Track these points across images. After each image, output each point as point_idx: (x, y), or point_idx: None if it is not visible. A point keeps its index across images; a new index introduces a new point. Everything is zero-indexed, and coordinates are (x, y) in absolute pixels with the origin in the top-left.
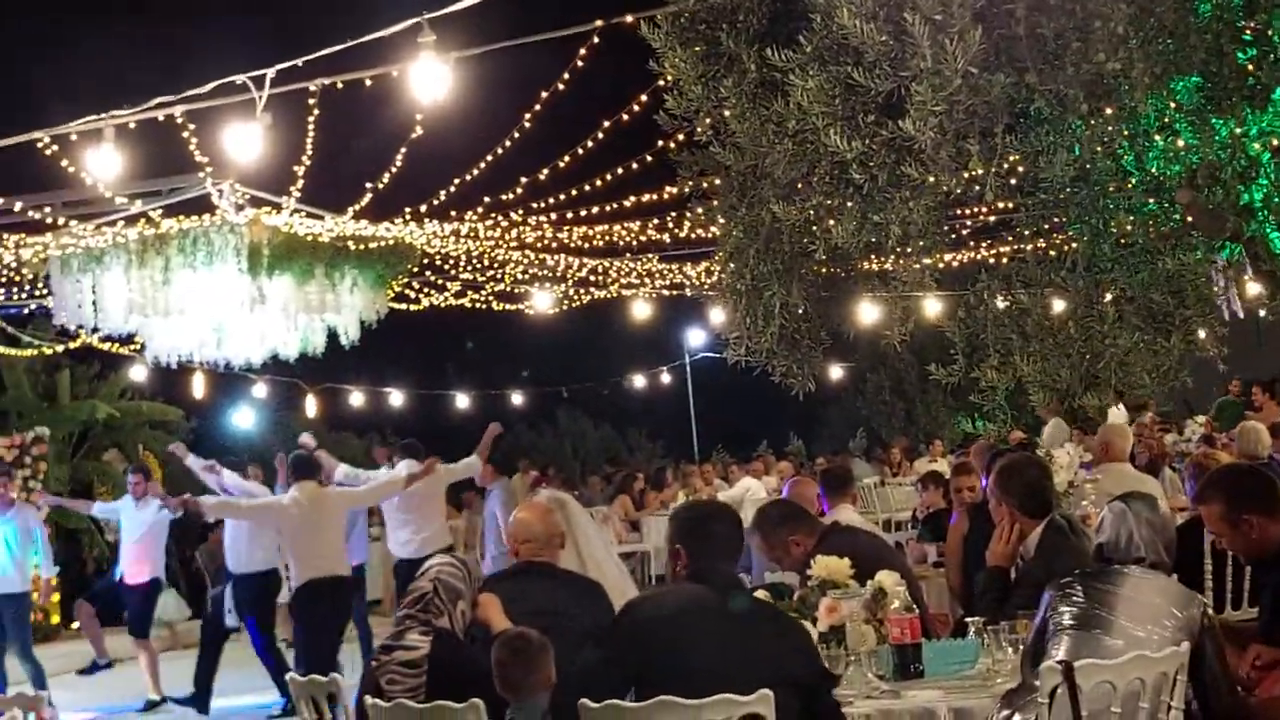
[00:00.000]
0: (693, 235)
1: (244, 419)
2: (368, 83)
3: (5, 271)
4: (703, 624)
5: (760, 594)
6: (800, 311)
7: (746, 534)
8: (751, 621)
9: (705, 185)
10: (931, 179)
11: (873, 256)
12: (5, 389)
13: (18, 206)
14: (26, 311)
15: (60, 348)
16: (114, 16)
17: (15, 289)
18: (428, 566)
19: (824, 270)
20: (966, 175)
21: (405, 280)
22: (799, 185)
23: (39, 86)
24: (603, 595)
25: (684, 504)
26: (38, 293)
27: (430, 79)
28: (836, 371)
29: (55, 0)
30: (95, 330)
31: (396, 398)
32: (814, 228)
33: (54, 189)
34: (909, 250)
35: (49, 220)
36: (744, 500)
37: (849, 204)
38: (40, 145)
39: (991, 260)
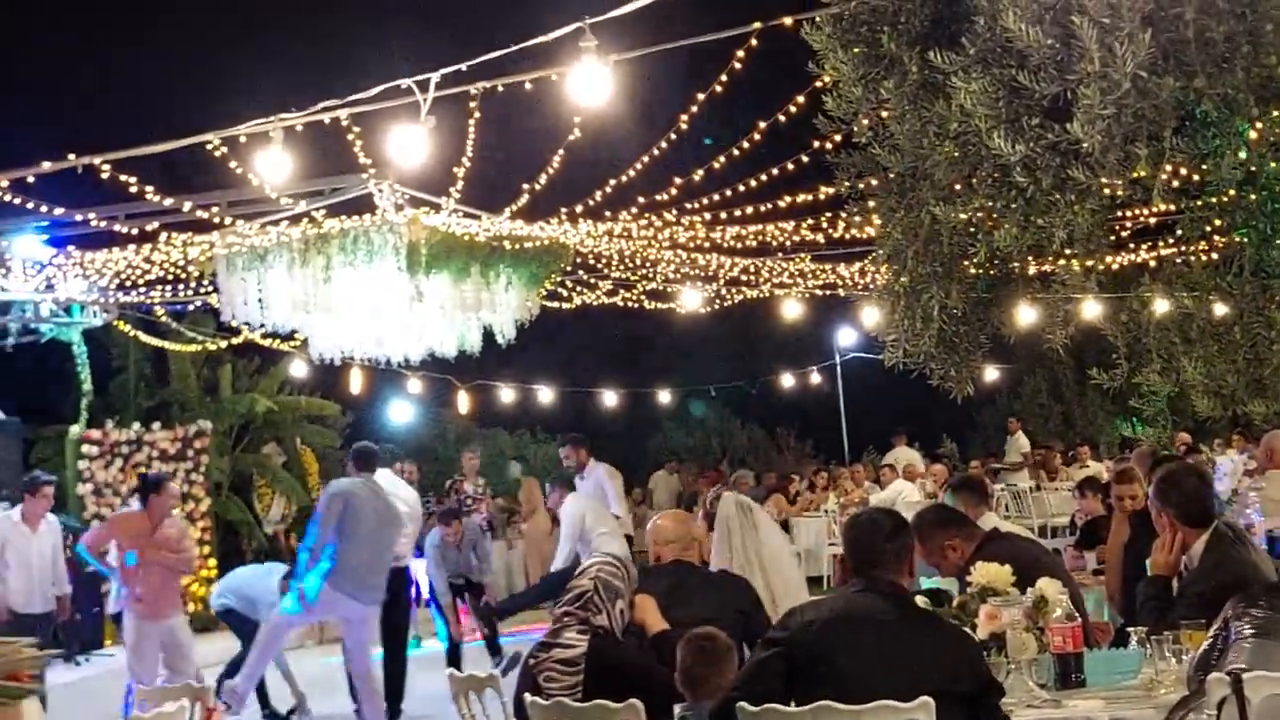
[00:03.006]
0: (847, 236)
1: (399, 414)
2: (528, 86)
3: (172, 269)
4: (864, 632)
5: (919, 600)
6: (959, 314)
7: None
8: (915, 630)
9: (863, 186)
10: (1097, 183)
11: (1033, 258)
12: (169, 382)
13: (187, 206)
14: (191, 308)
15: (224, 343)
16: (284, 23)
17: (181, 286)
18: (588, 565)
19: (983, 272)
20: (1132, 178)
21: (558, 279)
22: (960, 188)
23: (210, 90)
24: (748, 588)
25: (851, 515)
26: (203, 290)
27: (591, 83)
28: (991, 373)
29: (228, 7)
30: (260, 326)
31: (545, 394)
32: (975, 230)
33: (219, 189)
34: (1072, 253)
35: (216, 220)
36: (896, 503)
37: (1012, 207)
38: (210, 146)
39: (1153, 263)
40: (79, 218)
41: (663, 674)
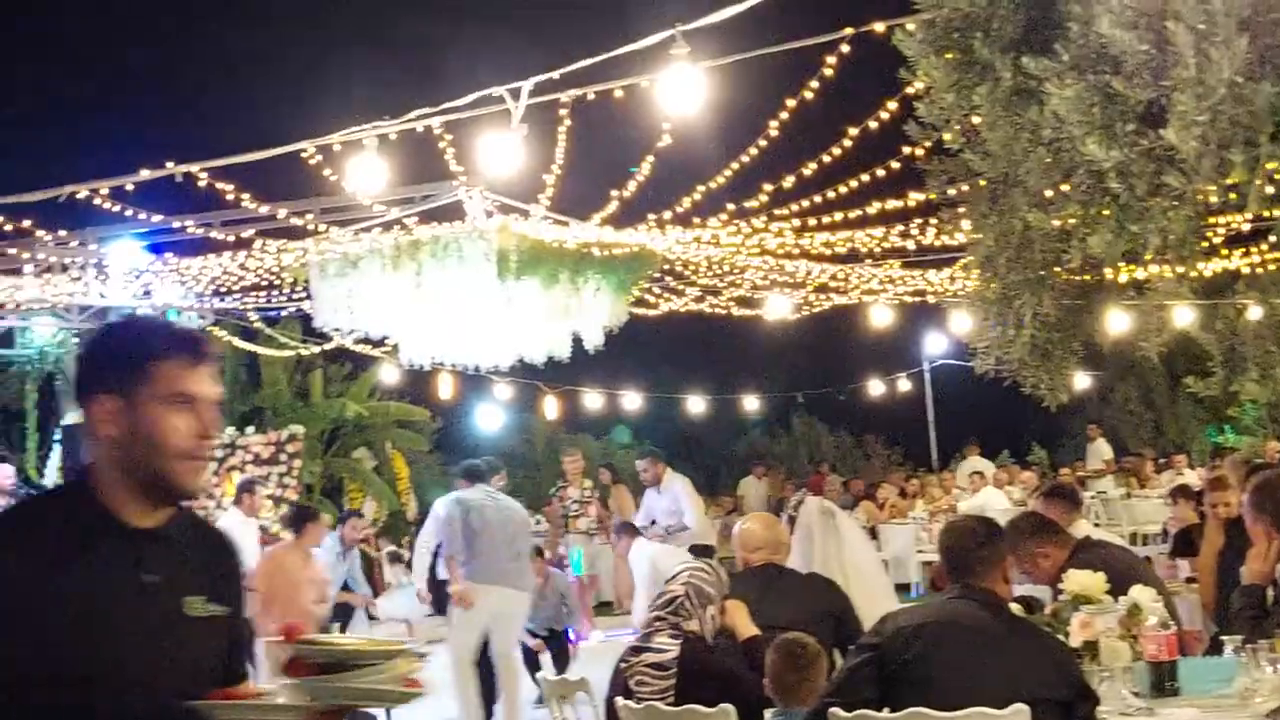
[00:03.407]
0: (937, 242)
1: (487, 419)
2: (618, 93)
3: (266, 275)
4: (958, 638)
5: (1013, 607)
6: (1052, 321)
7: None
8: (1010, 636)
9: (954, 193)
10: (1192, 189)
11: (1126, 265)
12: (262, 387)
13: (281, 213)
14: (284, 314)
15: (316, 349)
16: (378, 33)
17: (275, 292)
18: (679, 570)
19: (1076, 279)
20: (1227, 184)
21: (645, 285)
22: (1053, 194)
23: (306, 98)
24: (839, 590)
25: (947, 522)
26: (295, 296)
27: (683, 89)
28: (1082, 381)
29: (324, 18)
30: (351, 332)
31: (632, 400)
32: (1068, 237)
33: (313, 196)
34: (1166, 260)
35: (309, 226)
36: (985, 510)
37: (1105, 213)
38: (305, 154)
39: (1247, 269)
40: (176, 225)
41: (753, 679)
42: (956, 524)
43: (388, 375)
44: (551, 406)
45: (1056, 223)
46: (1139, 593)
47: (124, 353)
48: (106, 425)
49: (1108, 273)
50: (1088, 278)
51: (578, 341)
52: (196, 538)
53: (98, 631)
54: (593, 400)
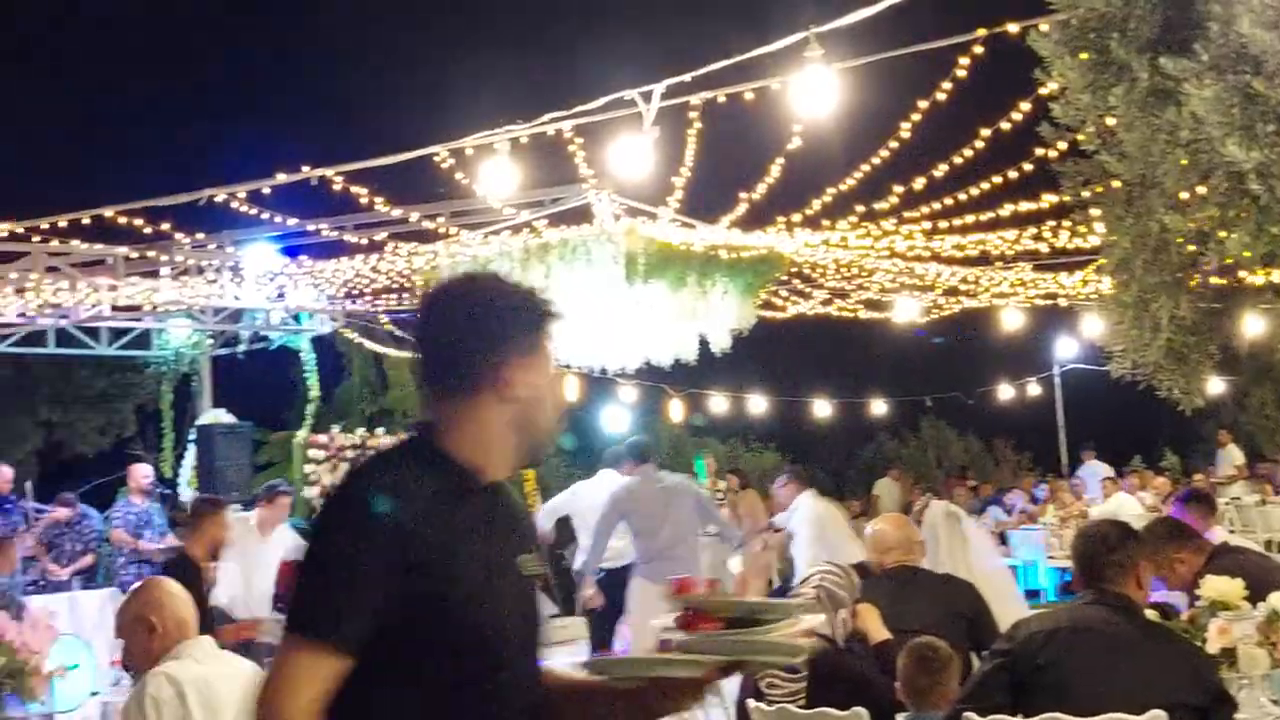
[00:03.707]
0: (1070, 245)
1: (612, 421)
2: (749, 95)
3: (397, 278)
4: (1092, 643)
5: (1149, 613)
6: (1188, 324)
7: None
8: (1145, 642)
9: (1088, 195)
10: None
11: (1265, 268)
12: (390, 389)
13: (414, 217)
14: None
15: None
16: (509, 37)
17: (405, 294)
18: (811, 573)
19: (1213, 282)
20: None
21: (772, 288)
22: (1190, 196)
23: (437, 103)
24: (971, 591)
25: (1080, 527)
26: None
27: (816, 91)
28: (1217, 385)
29: (456, 23)
30: None
31: (758, 403)
32: (1206, 239)
33: (444, 200)
34: None
35: (440, 230)
36: (1117, 516)
37: (1244, 215)
38: (438, 159)
39: None
40: (311, 228)
41: (884, 683)
42: (1088, 529)
43: None
44: (677, 409)
45: (1194, 225)
46: (1277, 599)
47: (528, 312)
48: (519, 386)
49: (1245, 275)
50: (1225, 281)
51: (704, 344)
52: (510, 497)
53: (494, 584)
54: (718, 403)
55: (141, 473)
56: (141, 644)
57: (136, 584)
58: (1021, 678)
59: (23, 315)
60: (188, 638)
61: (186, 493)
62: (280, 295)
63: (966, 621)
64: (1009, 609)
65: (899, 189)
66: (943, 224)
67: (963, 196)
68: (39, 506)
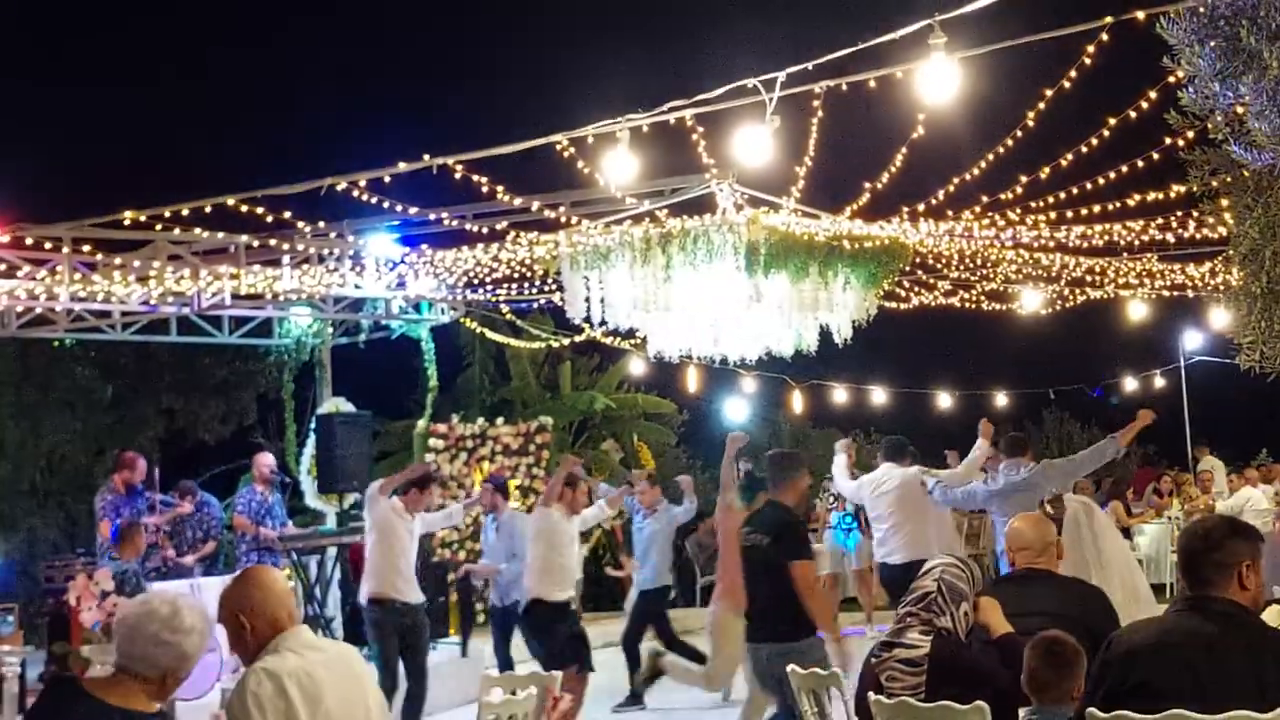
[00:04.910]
0: (1198, 235)
1: (734, 413)
2: (871, 84)
3: (518, 267)
4: (1185, 654)
5: (1272, 610)
6: None
7: None
8: (1236, 650)
9: (1217, 184)
10: None
11: None
12: (510, 379)
13: (535, 206)
14: (537, 306)
15: (566, 341)
16: (631, 25)
17: (525, 284)
18: (932, 565)
19: None
20: None
21: (895, 279)
22: None
23: (559, 90)
24: (1101, 598)
25: (1185, 527)
26: (546, 288)
27: (939, 80)
28: None
29: (578, 11)
30: (601, 325)
31: (879, 395)
32: None
33: (565, 189)
34: None
35: (561, 219)
36: (1244, 510)
37: None
38: (559, 147)
39: None
40: (431, 217)
41: (1007, 677)
42: (1191, 526)
43: (636, 368)
44: (798, 400)
45: None
46: None
47: None
48: None
49: None
50: None
51: (826, 335)
52: None
53: None
54: (839, 394)
55: (266, 461)
56: (237, 639)
57: (234, 575)
58: (1110, 689)
59: (146, 303)
60: (284, 630)
61: (306, 482)
62: (401, 284)
63: (1084, 629)
64: (1139, 598)
65: (1024, 178)
66: (1068, 214)
67: (1089, 186)
68: (164, 498)
